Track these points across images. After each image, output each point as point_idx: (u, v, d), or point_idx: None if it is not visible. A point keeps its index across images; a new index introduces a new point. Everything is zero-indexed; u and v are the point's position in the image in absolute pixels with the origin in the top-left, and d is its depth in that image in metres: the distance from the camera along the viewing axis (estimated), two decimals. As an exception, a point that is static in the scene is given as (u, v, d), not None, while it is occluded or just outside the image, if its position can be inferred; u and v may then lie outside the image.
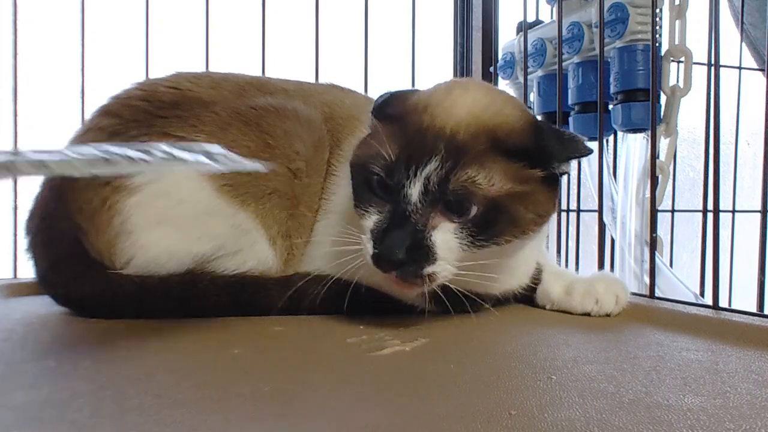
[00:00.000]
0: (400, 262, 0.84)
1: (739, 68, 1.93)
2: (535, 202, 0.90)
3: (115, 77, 1.26)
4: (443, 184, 0.84)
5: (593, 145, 1.65)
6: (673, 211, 1.90)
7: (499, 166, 0.87)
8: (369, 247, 0.87)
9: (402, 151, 0.87)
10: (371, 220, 0.89)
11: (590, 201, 1.80)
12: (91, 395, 0.61)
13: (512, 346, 0.87)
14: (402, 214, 0.85)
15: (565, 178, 1.80)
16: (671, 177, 1.68)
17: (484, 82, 1.05)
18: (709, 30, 1.17)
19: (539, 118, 1.80)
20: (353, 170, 0.96)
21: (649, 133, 1.40)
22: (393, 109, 0.94)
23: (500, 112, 0.91)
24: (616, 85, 1.53)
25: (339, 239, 0.95)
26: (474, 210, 0.86)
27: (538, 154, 0.89)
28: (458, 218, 0.86)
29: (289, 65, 1.62)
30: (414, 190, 0.85)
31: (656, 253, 1.30)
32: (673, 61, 1.53)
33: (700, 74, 1.38)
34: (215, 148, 0.67)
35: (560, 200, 1.62)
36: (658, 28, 1.48)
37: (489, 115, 0.89)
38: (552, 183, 0.93)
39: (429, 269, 0.85)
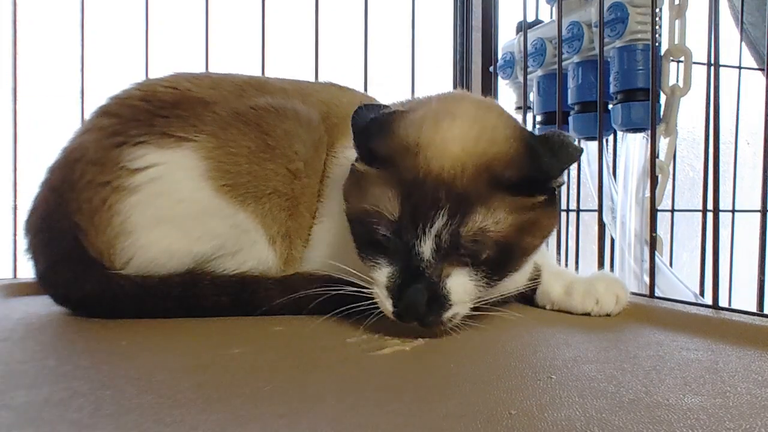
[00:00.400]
0: (423, 316, 0.84)
1: (739, 68, 1.93)
2: (540, 227, 0.91)
3: (115, 78, 1.26)
4: (455, 239, 0.83)
5: (593, 144, 1.66)
6: (672, 210, 1.90)
7: (504, 204, 0.85)
8: (388, 305, 0.86)
9: (404, 207, 0.84)
10: (382, 273, 0.87)
11: (590, 200, 1.80)
12: (91, 395, 0.61)
13: (512, 346, 0.87)
14: (415, 270, 0.83)
15: (564, 177, 1.80)
16: (671, 176, 1.68)
17: (468, 95, 0.99)
18: (709, 29, 1.17)
19: (539, 118, 1.80)
20: (352, 221, 0.94)
21: (649, 132, 1.40)
22: (380, 148, 0.89)
23: (493, 141, 0.87)
24: (616, 84, 1.53)
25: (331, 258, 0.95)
26: (486, 253, 0.85)
27: (537, 179, 0.88)
28: (471, 262, 0.85)
29: (289, 66, 1.62)
30: (425, 248, 0.83)
31: (656, 252, 1.30)
32: (672, 60, 1.53)
33: (699, 74, 1.38)
34: None
35: (560, 200, 1.62)
36: (657, 27, 1.48)
37: (483, 147, 0.86)
38: (552, 198, 0.92)
39: (448, 314, 0.85)
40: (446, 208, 0.82)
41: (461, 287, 0.85)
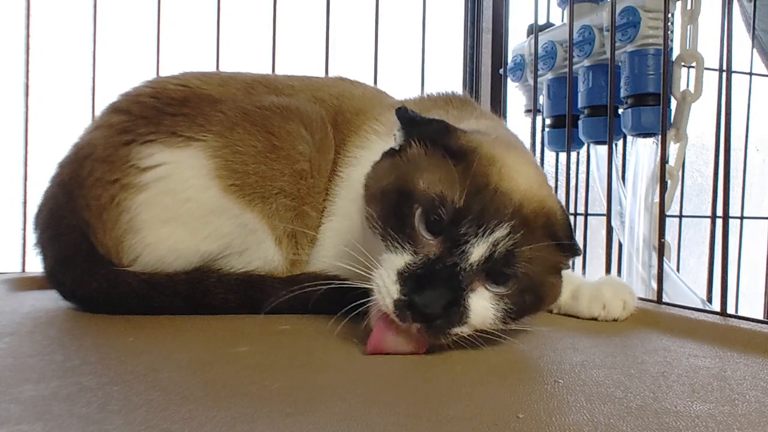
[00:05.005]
0: (432, 319, 0.77)
1: (750, 74, 1.92)
2: (555, 292, 0.91)
3: (126, 75, 1.27)
4: (509, 256, 0.79)
5: (603, 148, 1.66)
6: (681, 216, 1.89)
7: (548, 252, 0.84)
8: (393, 291, 0.78)
9: (471, 202, 0.79)
10: (402, 258, 0.80)
11: (598, 205, 1.80)
12: (99, 390, 0.62)
13: (518, 349, 0.87)
14: (450, 267, 0.77)
15: (573, 180, 1.79)
16: (679, 182, 1.67)
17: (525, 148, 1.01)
18: (721, 35, 1.16)
19: (548, 121, 1.80)
20: (388, 193, 0.85)
21: (659, 137, 1.40)
22: (454, 144, 0.85)
23: (550, 196, 0.89)
24: (627, 89, 1.53)
25: (339, 256, 0.92)
26: (519, 285, 0.82)
27: (568, 246, 0.88)
28: (496, 288, 0.82)
29: (300, 65, 1.63)
30: (477, 250, 0.77)
31: (664, 258, 1.30)
32: (684, 66, 1.53)
33: (710, 80, 1.38)
34: None
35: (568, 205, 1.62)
36: (669, 32, 1.48)
37: (543, 195, 0.86)
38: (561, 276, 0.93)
39: (457, 330, 0.79)
40: (510, 224, 0.79)
41: (480, 310, 0.81)
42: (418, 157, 0.86)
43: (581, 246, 1.64)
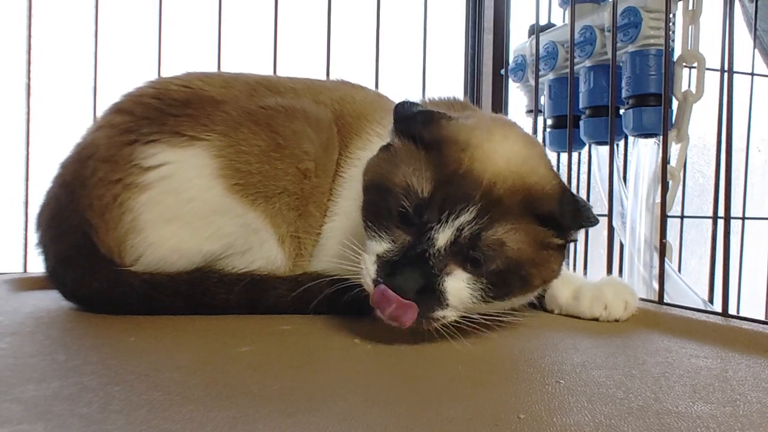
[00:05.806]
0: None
1: (752, 74, 1.91)
2: (548, 269, 0.90)
3: (128, 75, 1.27)
4: (474, 239, 0.82)
5: (604, 149, 1.66)
6: (682, 216, 1.89)
7: (527, 228, 0.85)
8: (372, 270, 0.84)
9: (436, 190, 0.83)
10: (381, 246, 0.85)
11: (600, 205, 1.79)
12: (100, 390, 0.62)
13: (519, 349, 0.87)
14: (420, 254, 0.81)
15: (575, 181, 1.79)
16: (681, 183, 1.67)
17: (521, 128, 1.01)
18: (723, 35, 1.16)
19: (550, 121, 1.80)
20: (370, 187, 0.91)
21: (660, 138, 1.40)
22: (428, 134, 0.88)
23: (535, 171, 0.88)
24: (628, 89, 1.52)
25: (340, 255, 0.93)
26: (493, 266, 0.83)
27: (562, 222, 0.88)
28: (474, 269, 0.83)
29: (301, 66, 1.63)
30: (442, 236, 0.81)
31: (665, 258, 1.30)
32: (685, 66, 1.52)
33: (712, 80, 1.38)
34: None
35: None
36: (671, 33, 1.47)
37: (525, 171, 0.87)
38: (562, 248, 0.92)
39: (439, 313, 0.83)
40: (477, 206, 0.81)
41: (457, 292, 0.83)
42: (398, 151, 0.91)
43: (582, 245, 1.67)
